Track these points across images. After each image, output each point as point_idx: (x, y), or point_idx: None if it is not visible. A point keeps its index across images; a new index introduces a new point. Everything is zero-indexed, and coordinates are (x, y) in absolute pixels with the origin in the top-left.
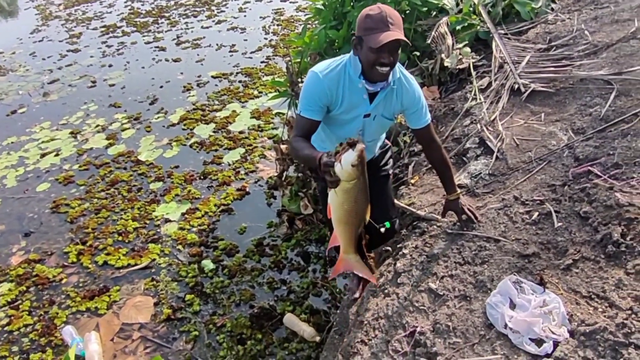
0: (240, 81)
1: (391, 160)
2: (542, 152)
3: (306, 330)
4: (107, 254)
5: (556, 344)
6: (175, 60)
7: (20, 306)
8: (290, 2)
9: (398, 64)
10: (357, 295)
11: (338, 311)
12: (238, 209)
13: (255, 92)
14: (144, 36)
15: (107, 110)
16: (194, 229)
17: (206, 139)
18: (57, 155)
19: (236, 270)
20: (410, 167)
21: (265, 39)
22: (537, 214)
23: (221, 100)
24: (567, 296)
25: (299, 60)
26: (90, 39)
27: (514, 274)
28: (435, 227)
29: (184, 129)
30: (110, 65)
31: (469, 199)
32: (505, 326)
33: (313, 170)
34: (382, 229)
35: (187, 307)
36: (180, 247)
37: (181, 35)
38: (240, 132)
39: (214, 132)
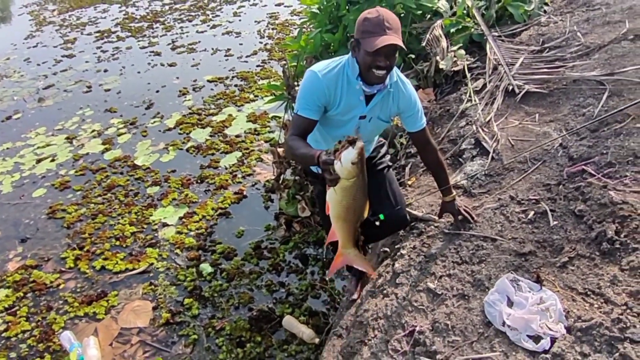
0: (236, 85)
1: (388, 156)
2: (537, 152)
3: (305, 332)
4: (105, 259)
5: (553, 340)
6: (170, 65)
7: (18, 312)
8: (285, 6)
9: (395, 68)
10: (355, 296)
11: (337, 313)
12: (235, 213)
13: (251, 96)
14: (139, 41)
15: (103, 115)
16: (192, 233)
17: (203, 143)
18: (53, 160)
19: (234, 274)
20: (407, 169)
21: (261, 42)
22: (532, 213)
23: (217, 105)
24: (563, 293)
25: (295, 64)
26: (85, 44)
27: (511, 273)
28: (432, 227)
29: (180, 133)
30: (105, 70)
31: (466, 200)
32: (504, 324)
33: (309, 173)
34: (377, 222)
35: (186, 311)
36: (178, 251)
37: (176, 39)
38: (237, 136)
39: (210, 136)
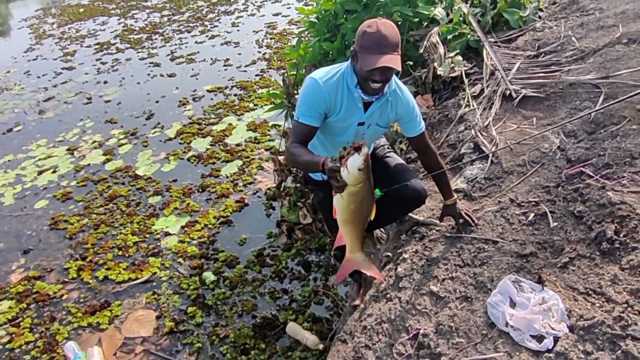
0: (235, 94)
1: (383, 140)
2: (535, 155)
3: (309, 338)
4: (108, 269)
5: (556, 339)
6: (170, 76)
7: (21, 323)
8: (283, 16)
9: (393, 76)
10: (357, 302)
11: (340, 318)
12: (237, 221)
13: (251, 105)
14: (138, 52)
15: (103, 127)
16: (194, 242)
17: (203, 152)
18: (54, 172)
19: (237, 281)
20: None
21: (259, 52)
22: (533, 215)
23: (217, 114)
24: (565, 293)
25: (294, 72)
26: (84, 56)
27: (513, 274)
28: (434, 231)
29: (181, 143)
30: (105, 82)
31: (466, 203)
32: (507, 324)
33: (309, 181)
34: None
35: (190, 320)
36: (180, 260)
37: (175, 50)
38: (237, 145)
39: (211, 145)
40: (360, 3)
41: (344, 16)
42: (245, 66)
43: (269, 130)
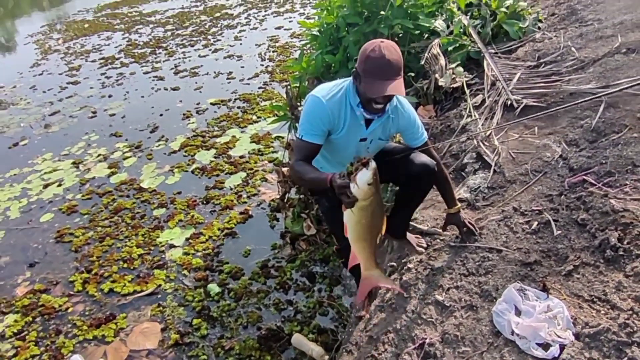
0: (238, 107)
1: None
2: (537, 164)
3: (315, 349)
4: (113, 282)
5: (562, 347)
6: (174, 89)
7: (27, 337)
8: (285, 29)
9: None
10: (362, 313)
11: (346, 329)
12: (242, 232)
13: (254, 117)
14: (142, 66)
15: (108, 140)
16: (199, 254)
17: (207, 165)
18: (59, 185)
19: (242, 293)
20: None
21: (262, 65)
22: (536, 223)
23: (221, 126)
24: (570, 300)
25: (297, 84)
26: (89, 70)
27: (518, 282)
28: (438, 240)
29: (185, 156)
30: (110, 96)
31: (470, 213)
32: (512, 333)
33: (316, 192)
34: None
35: (195, 332)
36: (185, 272)
37: (179, 64)
38: (241, 157)
39: (214, 157)
40: (362, 16)
41: (346, 29)
42: (248, 79)
43: (272, 142)
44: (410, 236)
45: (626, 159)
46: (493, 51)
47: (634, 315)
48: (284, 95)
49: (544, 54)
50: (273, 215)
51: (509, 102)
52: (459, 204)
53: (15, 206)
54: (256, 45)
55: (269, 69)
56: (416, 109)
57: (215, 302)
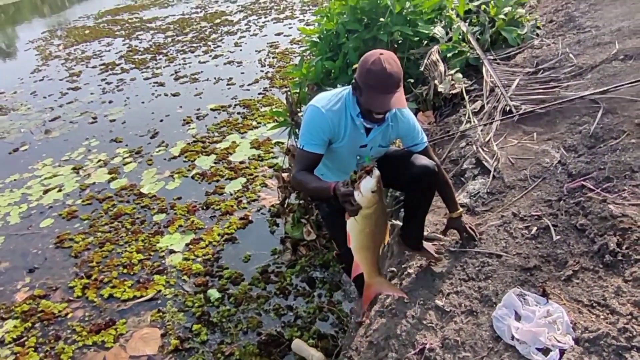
0: (238, 113)
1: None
2: (536, 169)
3: (315, 355)
4: (113, 287)
5: (562, 351)
6: (174, 95)
7: (26, 343)
8: (285, 36)
9: None
10: (362, 318)
11: (346, 334)
12: (242, 238)
13: (254, 123)
14: (142, 72)
15: (108, 145)
16: (199, 259)
17: (207, 170)
18: (59, 191)
19: (242, 299)
20: None
21: (262, 71)
22: (535, 228)
23: (221, 132)
24: (569, 305)
25: (297, 90)
26: (90, 76)
27: (518, 287)
28: (438, 246)
29: (185, 161)
30: (110, 102)
31: (469, 218)
32: (512, 337)
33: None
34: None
35: (195, 337)
36: (185, 277)
37: (179, 70)
38: (241, 162)
39: (214, 163)
40: (362, 23)
41: (346, 36)
42: (248, 85)
43: (272, 148)
44: (427, 244)
45: (624, 164)
46: (492, 58)
47: (633, 320)
48: (284, 101)
49: (542, 60)
50: (273, 220)
51: (507, 108)
52: (461, 209)
53: (15, 212)
54: (256, 51)
55: (269, 75)
56: (416, 115)
57: (215, 307)
